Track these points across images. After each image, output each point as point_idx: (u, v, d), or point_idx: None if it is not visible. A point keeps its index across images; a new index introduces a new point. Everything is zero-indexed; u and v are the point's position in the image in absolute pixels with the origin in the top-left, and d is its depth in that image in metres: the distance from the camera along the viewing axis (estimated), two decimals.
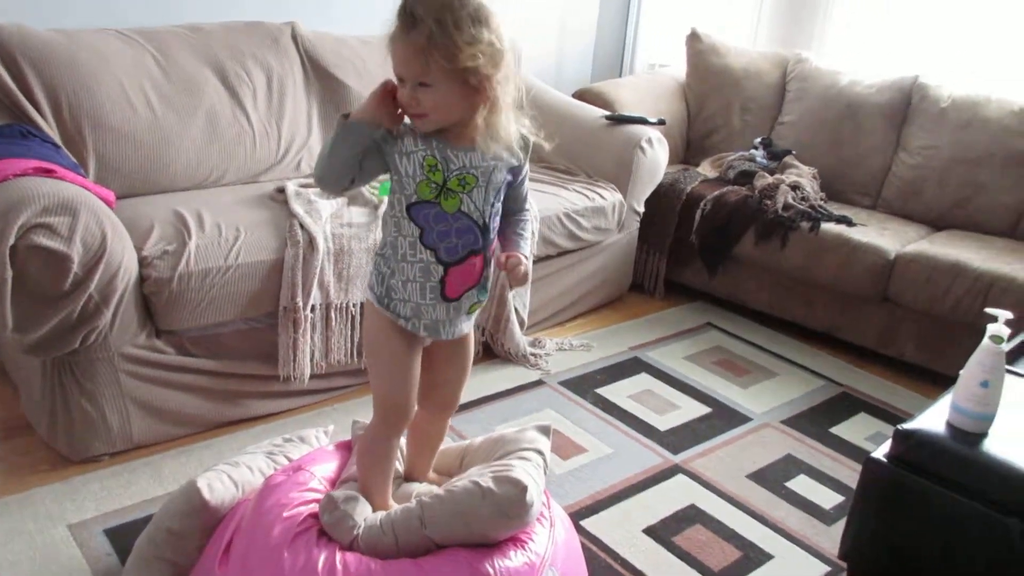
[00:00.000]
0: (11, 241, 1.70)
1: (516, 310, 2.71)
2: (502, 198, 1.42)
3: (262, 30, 2.73)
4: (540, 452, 1.57)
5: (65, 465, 2.00)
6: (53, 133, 2.25)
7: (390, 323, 1.41)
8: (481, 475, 1.41)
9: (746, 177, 3.26)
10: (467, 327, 1.50)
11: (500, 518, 1.36)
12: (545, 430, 1.65)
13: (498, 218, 1.43)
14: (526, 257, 1.46)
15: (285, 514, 1.37)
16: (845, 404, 2.65)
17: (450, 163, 1.34)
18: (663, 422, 2.43)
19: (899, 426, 1.69)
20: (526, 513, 1.37)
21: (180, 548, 1.46)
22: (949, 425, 1.67)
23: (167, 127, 2.42)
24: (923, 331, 2.77)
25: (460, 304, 1.43)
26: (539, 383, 2.60)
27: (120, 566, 1.68)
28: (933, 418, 1.71)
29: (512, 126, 1.37)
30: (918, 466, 1.65)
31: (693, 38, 3.73)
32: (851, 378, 2.82)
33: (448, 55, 1.24)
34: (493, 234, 1.43)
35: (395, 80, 1.31)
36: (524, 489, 1.36)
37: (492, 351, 2.72)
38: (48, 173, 1.90)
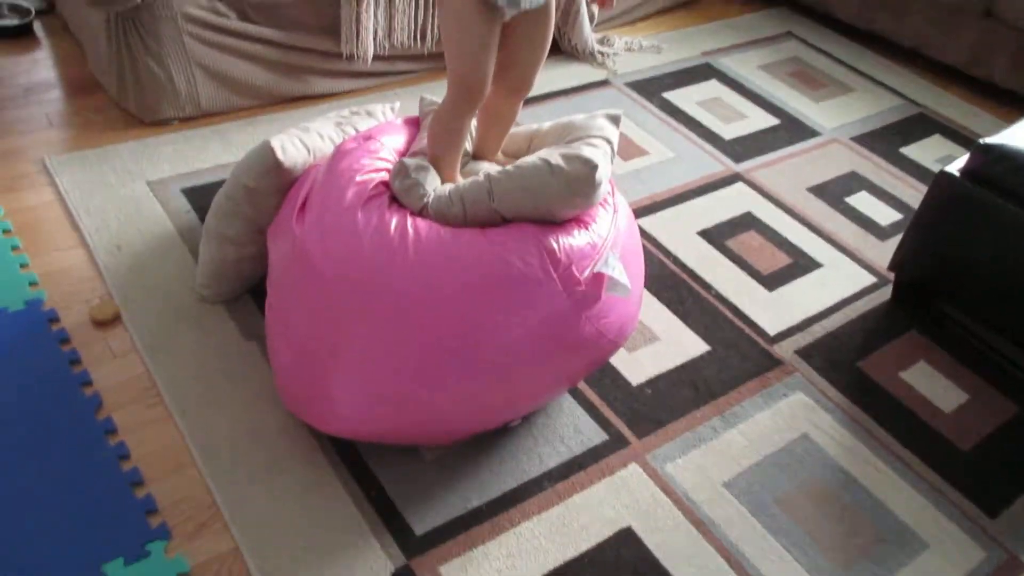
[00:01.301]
0: None
1: (586, 3, 2.54)
2: None
3: None
4: (608, 140, 1.55)
5: (137, 126, 2.04)
6: None
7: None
8: (550, 154, 1.41)
9: None
10: None
11: (567, 194, 1.37)
12: (614, 119, 1.62)
13: None
14: None
15: (358, 178, 1.40)
16: (920, 125, 2.55)
17: None
18: (729, 131, 2.38)
19: (980, 140, 1.64)
20: (593, 192, 1.38)
21: (256, 204, 1.52)
22: None
23: None
24: (1020, 52, 2.57)
25: None
26: (605, 83, 2.52)
27: (198, 222, 1.77)
28: (1018, 135, 1.64)
29: None
30: (994, 182, 1.62)
31: None
32: (932, 98, 2.68)
33: None
34: None
35: None
36: (594, 167, 1.35)
37: (559, 47, 2.60)
38: None
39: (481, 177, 1.42)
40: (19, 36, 2.29)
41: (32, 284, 1.60)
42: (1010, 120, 2.56)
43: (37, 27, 2.34)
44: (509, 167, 1.41)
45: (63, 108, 2.07)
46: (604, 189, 1.43)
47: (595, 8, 2.60)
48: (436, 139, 1.47)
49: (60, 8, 2.35)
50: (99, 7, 1.84)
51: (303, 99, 2.21)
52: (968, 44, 2.67)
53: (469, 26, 1.35)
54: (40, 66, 2.20)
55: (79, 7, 1.93)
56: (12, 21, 2.30)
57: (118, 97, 2.04)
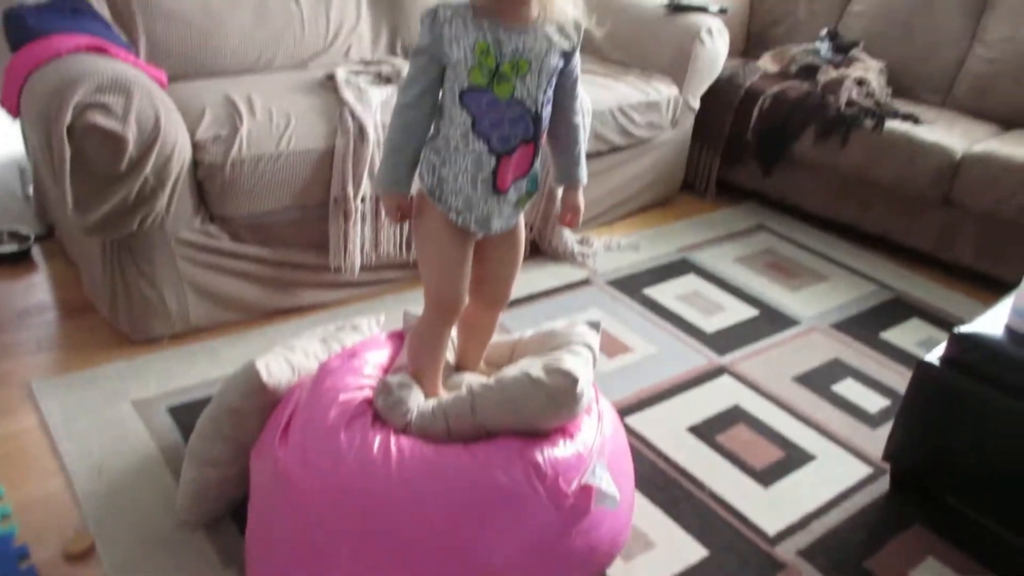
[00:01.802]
0: (68, 119, 1.70)
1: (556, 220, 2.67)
2: (554, 85, 1.38)
3: None
4: (589, 347, 1.58)
5: (127, 345, 2.06)
6: (103, 9, 2.22)
7: (440, 216, 1.40)
8: (532, 366, 1.43)
9: (809, 71, 3.12)
10: (517, 220, 1.48)
11: (550, 408, 1.37)
12: (595, 325, 1.66)
13: (550, 106, 1.40)
14: (583, 184, 1.54)
15: (341, 398, 1.41)
16: (897, 309, 2.61)
17: (503, 45, 1.29)
18: (710, 324, 2.43)
19: (955, 328, 1.67)
20: (576, 404, 1.38)
21: (240, 426, 1.51)
22: (1008, 329, 1.64)
23: (217, 7, 2.38)
24: (984, 235, 2.68)
25: (510, 196, 1.41)
26: (586, 282, 2.59)
27: (183, 442, 1.75)
28: (992, 321, 1.68)
29: (568, 5, 1.33)
30: (973, 369, 1.63)
31: None
32: (905, 283, 2.77)
33: None
34: (545, 123, 1.40)
35: None
36: (575, 380, 1.37)
37: (539, 248, 2.70)
38: (100, 51, 1.88)
39: (464, 392, 1.43)
40: (18, 262, 2.37)
41: (4, 518, 1.55)
42: (983, 300, 2.63)
43: (36, 251, 2.43)
44: (491, 381, 1.43)
45: (55, 331, 2.11)
46: (588, 398, 1.44)
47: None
48: (416, 354, 1.49)
49: (59, 233, 2.45)
50: (96, 235, 1.91)
51: (292, 311, 2.26)
52: (933, 230, 2.79)
53: (443, 246, 1.42)
54: (36, 289, 2.27)
55: (77, 232, 2.01)
56: (11, 248, 2.39)
57: (110, 318, 2.08)
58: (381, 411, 1.41)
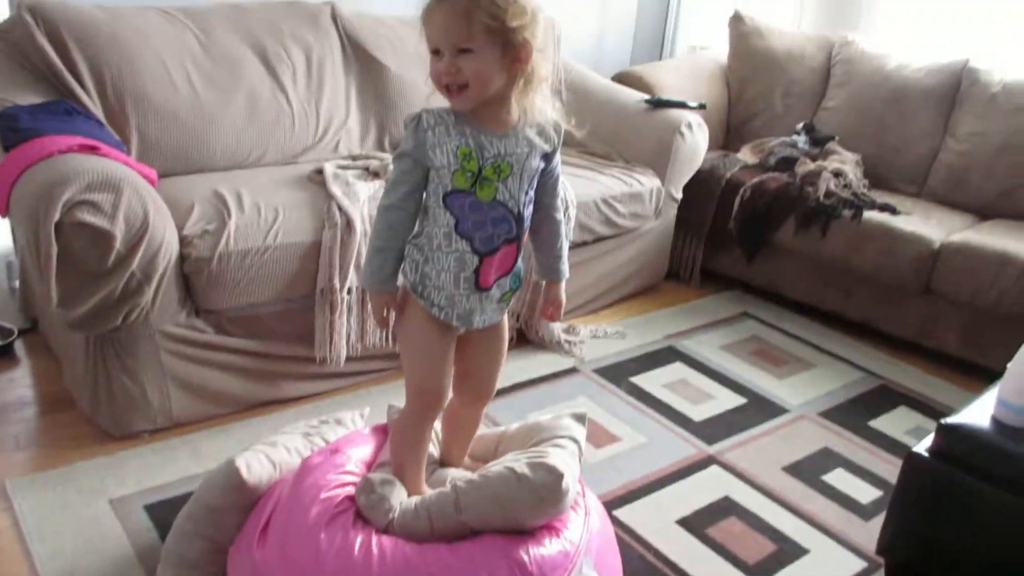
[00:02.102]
0: (56, 217, 1.72)
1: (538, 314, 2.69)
2: (535, 186, 1.41)
3: (302, 9, 2.73)
4: (575, 440, 1.56)
5: (107, 440, 2.03)
6: (97, 110, 2.27)
7: (423, 311, 1.40)
8: (516, 461, 1.41)
9: (787, 163, 3.20)
10: (500, 316, 1.49)
11: (535, 504, 1.35)
12: (580, 418, 1.65)
13: (531, 206, 1.43)
14: (565, 278, 1.58)
15: (322, 495, 1.38)
16: (884, 397, 2.60)
17: (484, 150, 1.32)
18: (698, 412, 2.41)
19: (942, 420, 1.66)
20: (561, 500, 1.36)
21: (219, 524, 1.48)
22: (994, 420, 1.64)
23: (208, 106, 2.44)
24: (966, 323, 2.71)
25: (493, 293, 1.43)
26: (573, 371, 2.59)
27: (160, 541, 1.70)
28: (977, 412, 1.67)
29: (547, 107, 1.36)
30: (962, 461, 1.62)
31: (736, 20, 3.66)
32: (890, 370, 2.77)
33: (493, 13, 1.24)
34: (527, 223, 1.43)
35: (431, 55, 1.30)
36: (560, 476, 1.35)
37: (526, 337, 2.71)
38: (92, 150, 1.92)
39: (448, 488, 1.41)
40: (0, 356, 2.35)
41: None
42: (969, 388, 2.64)
43: (18, 345, 2.41)
44: (475, 477, 1.41)
45: (34, 427, 2.07)
46: (574, 493, 1.42)
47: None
48: (398, 449, 1.47)
49: (42, 327, 2.44)
50: (80, 330, 1.91)
51: (277, 403, 2.24)
52: (916, 318, 2.82)
53: (425, 340, 1.42)
54: (16, 384, 2.24)
55: (60, 327, 2.00)
56: None
57: (90, 413, 2.05)
58: (363, 509, 1.38)
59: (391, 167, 1.39)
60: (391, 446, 1.50)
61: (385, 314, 1.41)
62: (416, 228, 1.41)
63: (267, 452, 1.54)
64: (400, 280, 1.43)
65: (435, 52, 1.29)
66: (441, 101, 1.34)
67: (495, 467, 1.42)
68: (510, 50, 1.28)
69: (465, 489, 1.38)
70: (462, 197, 1.34)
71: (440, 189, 1.34)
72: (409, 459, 1.47)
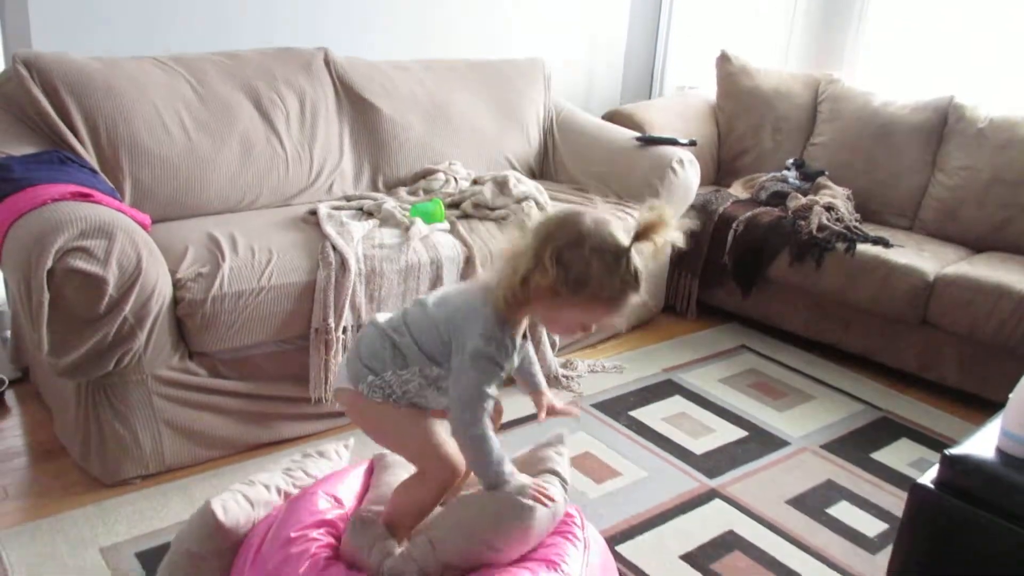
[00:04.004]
0: (48, 264, 1.71)
1: (547, 332, 2.68)
2: None
3: (295, 55, 2.76)
4: (555, 472, 1.54)
5: (97, 488, 2.00)
6: (91, 159, 2.28)
7: (401, 409, 1.39)
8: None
9: (779, 198, 3.22)
10: None
11: (499, 524, 1.33)
12: (555, 440, 1.63)
13: None
14: (547, 389, 1.61)
15: (312, 548, 1.35)
16: (886, 429, 2.58)
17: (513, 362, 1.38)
18: (699, 446, 2.39)
19: (946, 451, 1.64)
20: (527, 516, 1.33)
21: (200, 570, 1.45)
22: (999, 451, 1.62)
23: (202, 152, 2.45)
24: (964, 355, 2.70)
25: None
26: (572, 405, 2.56)
27: None
28: (981, 443, 1.65)
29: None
30: (967, 493, 1.59)
31: (723, 59, 3.72)
32: (891, 402, 2.75)
33: None
34: None
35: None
36: (519, 489, 1.34)
37: None
38: (85, 197, 1.92)
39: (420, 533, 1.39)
40: None
41: None
42: (971, 419, 2.62)
43: (9, 395, 2.38)
44: (439, 511, 1.39)
45: (24, 477, 2.04)
46: (546, 516, 1.38)
47: (556, 337, 2.73)
48: (404, 510, 1.43)
49: (33, 375, 2.42)
50: (71, 376, 1.89)
51: (271, 445, 2.21)
52: (914, 350, 2.80)
53: (409, 424, 1.40)
54: (6, 434, 2.21)
55: (51, 374, 1.98)
56: None
57: (81, 460, 2.02)
58: (355, 548, 1.35)
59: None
60: (394, 506, 1.44)
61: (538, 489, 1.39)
62: (403, 367, 1.37)
63: (244, 492, 1.51)
64: (377, 399, 1.39)
65: (586, 326, 1.35)
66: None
67: (458, 496, 1.40)
68: None
69: (433, 523, 1.37)
70: None
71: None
72: (408, 520, 1.44)
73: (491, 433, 1.34)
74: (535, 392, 1.61)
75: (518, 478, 1.37)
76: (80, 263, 1.75)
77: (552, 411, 1.59)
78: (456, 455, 1.40)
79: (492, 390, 1.32)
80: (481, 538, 1.33)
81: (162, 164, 2.37)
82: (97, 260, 1.77)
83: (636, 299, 1.29)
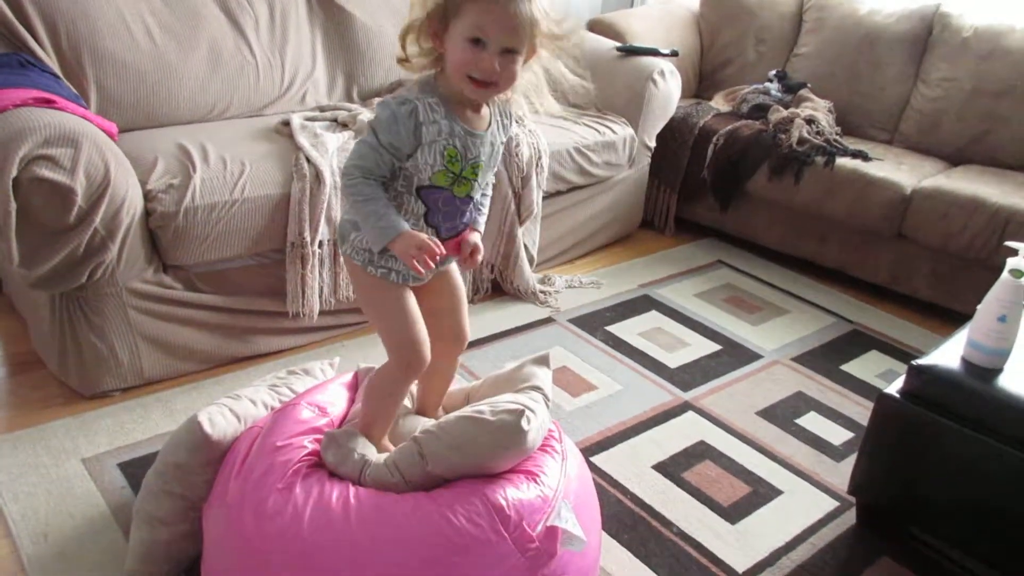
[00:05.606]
0: (13, 173, 1.66)
1: (525, 247, 2.68)
2: None
3: None
4: (538, 388, 1.56)
5: (77, 400, 2.00)
6: (52, 63, 2.19)
7: (377, 278, 1.39)
8: (476, 407, 1.41)
9: (760, 111, 3.19)
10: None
11: (496, 447, 1.35)
12: (543, 360, 1.65)
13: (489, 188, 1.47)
14: (480, 232, 1.45)
15: (298, 456, 1.37)
16: (856, 341, 2.63)
17: (468, 152, 1.32)
18: (673, 359, 2.43)
19: (913, 361, 1.68)
20: (523, 440, 1.36)
21: (187, 482, 1.46)
22: (964, 361, 1.66)
23: (169, 58, 2.36)
24: (937, 268, 2.74)
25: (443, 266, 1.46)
26: (548, 320, 2.59)
27: (134, 499, 1.68)
28: (948, 354, 1.69)
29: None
30: (932, 402, 1.64)
31: None
32: (863, 315, 2.80)
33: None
34: (485, 208, 1.47)
35: (472, 48, 1.22)
36: (519, 414, 1.35)
37: (501, 288, 2.70)
38: (49, 104, 1.85)
39: (409, 440, 1.41)
40: None
41: None
42: (940, 332, 2.68)
43: None
44: (433, 427, 1.40)
45: (1, 388, 2.04)
46: (535, 437, 1.41)
47: (533, 251, 2.73)
48: (372, 405, 1.46)
49: (7, 287, 2.39)
50: (43, 288, 1.86)
51: (249, 359, 2.22)
52: (888, 264, 2.84)
53: (388, 299, 1.40)
54: None
55: (24, 286, 1.96)
56: None
57: (59, 373, 2.02)
58: (332, 465, 1.38)
59: (362, 115, 1.35)
60: (364, 403, 1.49)
61: (428, 255, 1.28)
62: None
63: (231, 406, 1.52)
64: (357, 262, 1.38)
65: (476, 41, 1.22)
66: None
67: (453, 415, 1.42)
68: (529, 53, 1.28)
69: (426, 439, 1.38)
70: (438, 192, 1.33)
71: (415, 181, 1.32)
72: (381, 416, 1.46)
73: (371, 190, 1.27)
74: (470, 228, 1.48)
75: (401, 225, 1.28)
76: (46, 172, 1.70)
77: (472, 258, 1.42)
78: (424, 340, 1.40)
79: (379, 158, 1.26)
80: (475, 461, 1.36)
81: (127, 70, 2.29)
82: (64, 169, 1.72)
83: None
